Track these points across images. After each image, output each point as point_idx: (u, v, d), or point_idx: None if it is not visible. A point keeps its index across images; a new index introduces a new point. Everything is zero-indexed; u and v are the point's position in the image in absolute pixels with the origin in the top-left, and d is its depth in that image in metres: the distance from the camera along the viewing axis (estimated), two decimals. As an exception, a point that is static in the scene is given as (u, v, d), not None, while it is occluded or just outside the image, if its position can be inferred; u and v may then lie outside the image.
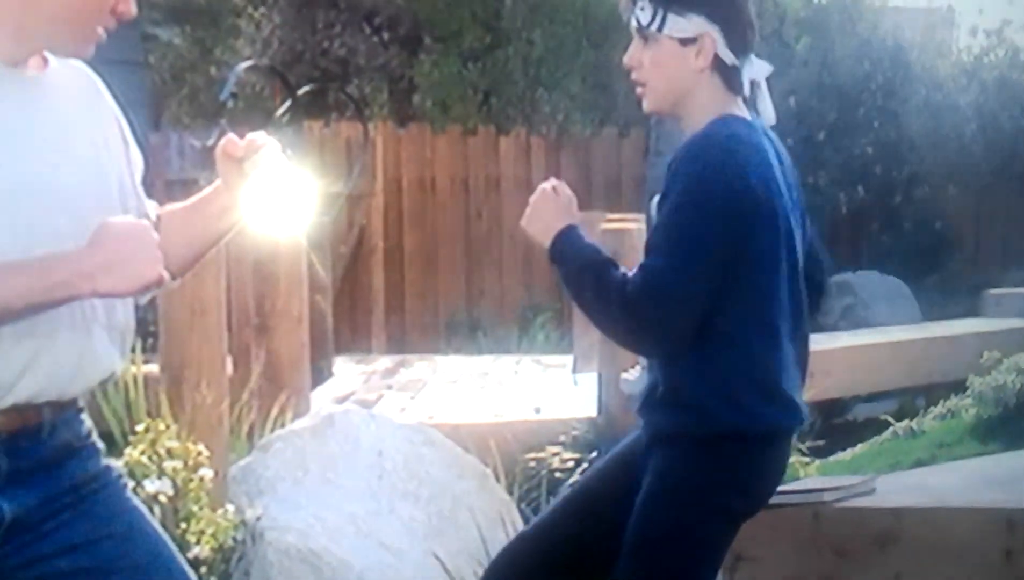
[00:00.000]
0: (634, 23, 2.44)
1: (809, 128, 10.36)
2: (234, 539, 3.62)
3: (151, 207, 2.10)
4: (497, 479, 4.26)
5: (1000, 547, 3.25)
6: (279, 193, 2.00)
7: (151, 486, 3.47)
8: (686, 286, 2.30)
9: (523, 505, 4.53)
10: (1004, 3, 12.41)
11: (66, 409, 1.93)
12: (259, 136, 2.02)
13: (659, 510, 2.42)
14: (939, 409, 6.11)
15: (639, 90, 2.48)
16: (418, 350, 9.24)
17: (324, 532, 3.75)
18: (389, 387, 7.00)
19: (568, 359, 7.55)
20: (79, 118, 1.96)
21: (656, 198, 2.45)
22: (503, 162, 10.79)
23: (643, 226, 5.91)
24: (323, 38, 10.95)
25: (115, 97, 2.08)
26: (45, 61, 1.94)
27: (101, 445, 2.01)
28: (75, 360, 1.89)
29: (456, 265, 10.71)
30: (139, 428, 3.61)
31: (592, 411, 5.63)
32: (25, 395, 1.85)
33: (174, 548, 2.05)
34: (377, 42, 11.00)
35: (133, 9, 1.91)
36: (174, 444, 3.56)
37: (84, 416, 1.98)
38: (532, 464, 5.24)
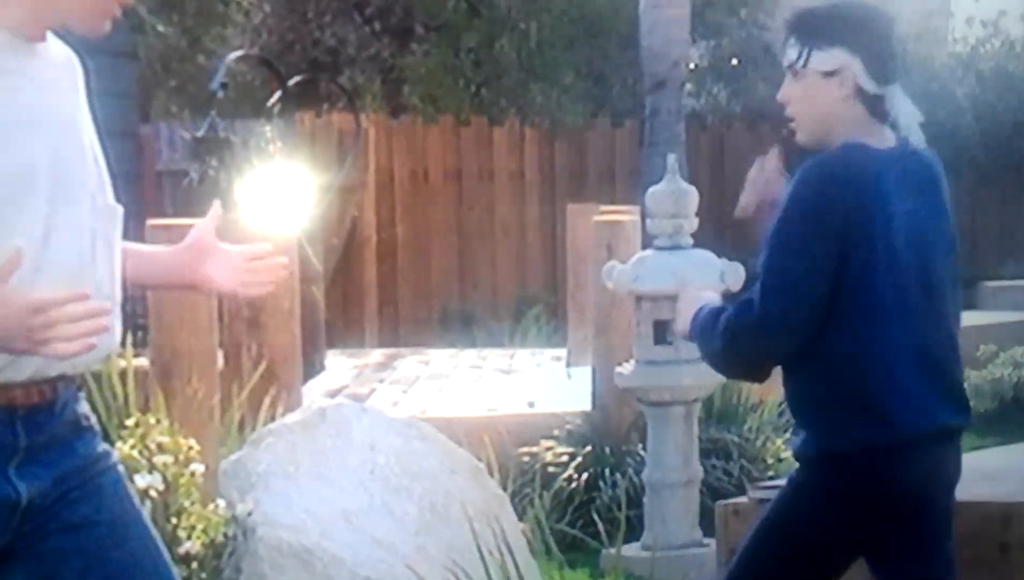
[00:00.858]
0: (785, 62, 2.62)
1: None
2: (225, 534, 3.60)
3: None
4: (490, 473, 4.24)
5: (996, 541, 3.24)
6: (275, 191, 2.01)
7: (141, 481, 3.45)
8: (794, 300, 2.50)
9: (516, 500, 4.51)
10: (999, -6, 12.38)
11: (73, 383, 1.97)
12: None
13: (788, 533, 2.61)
14: (935, 402, 6.09)
15: (792, 124, 2.63)
16: (411, 343, 9.21)
17: (316, 527, 3.73)
18: (381, 381, 6.97)
19: (562, 352, 7.52)
20: (76, 98, 2.01)
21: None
22: (496, 153, 10.75)
23: (637, 218, 5.91)
24: (314, 28, 10.91)
25: (96, 85, 2.13)
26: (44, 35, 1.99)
27: (98, 428, 2.05)
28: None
29: (449, 257, 10.68)
30: (129, 422, 3.59)
31: (586, 405, 5.60)
32: (42, 363, 1.87)
33: (161, 542, 2.06)
34: (368, 32, 10.95)
35: None
36: (165, 439, 3.54)
37: (83, 396, 2.02)
38: (526, 458, 5.21)
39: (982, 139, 10.67)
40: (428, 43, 10.81)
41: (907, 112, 2.63)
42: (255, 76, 10.17)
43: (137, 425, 3.55)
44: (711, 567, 4.01)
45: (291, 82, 6.95)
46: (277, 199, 1.95)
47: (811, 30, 2.57)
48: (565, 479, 5.12)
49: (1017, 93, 10.84)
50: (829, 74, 2.56)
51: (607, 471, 5.11)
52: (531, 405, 5.91)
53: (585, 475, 5.15)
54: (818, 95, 2.57)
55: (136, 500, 2.06)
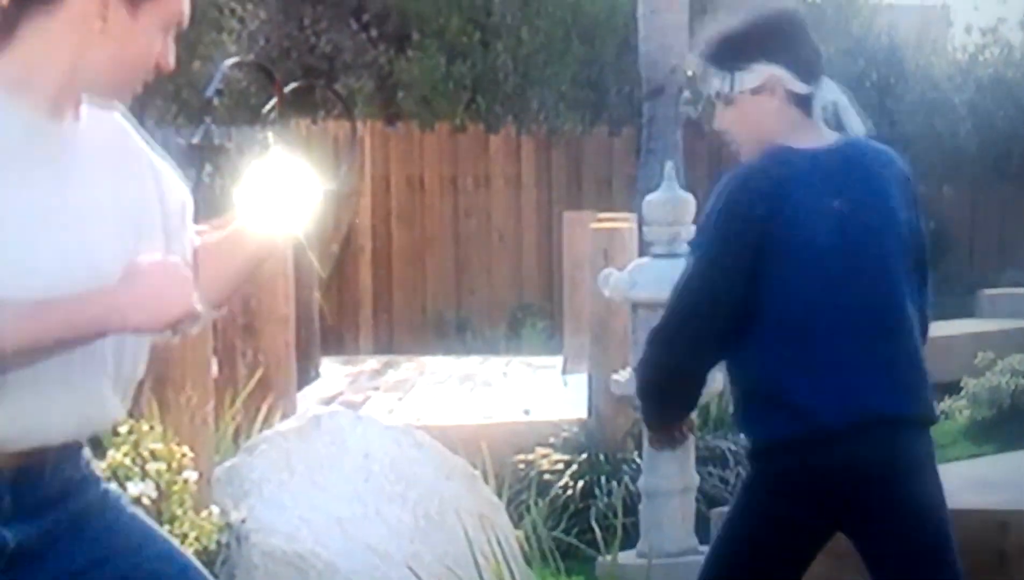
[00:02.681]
0: (712, 92, 2.61)
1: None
2: (219, 541, 3.58)
3: (190, 243, 2.09)
4: (486, 481, 4.23)
5: (994, 549, 3.24)
6: (278, 191, 1.99)
7: (134, 488, 3.43)
8: (703, 305, 2.56)
9: (512, 507, 4.49)
10: (998, 1, 12.39)
11: (70, 448, 1.96)
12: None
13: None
14: (932, 410, 6.07)
15: (733, 148, 2.65)
16: (406, 351, 9.19)
17: (310, 534, 3.72)
18: (376, 388, 6.96)
19: (558, 360, 7.50)
20: (107, 166, 1.96)
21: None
22: (492, 161, 10.74)
23: (634, 225, 5.89)
24: (310, 34, 10.90)
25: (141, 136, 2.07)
26: (78, 109, 1.94)
27: (100, 473, 2.04)
28: (85, 411, 1.92)
29: (445, 264, 10.66)
30: (122, 429, 3.57)
31: (582, 413, 5.59)
32: (31, 444, 1.88)
33: (187, 553, 2.06)
34: (364, 39, 10.94)
35: (173, 62, 1.96)
36: (158, 446, 3.52)
37: (84, 450, 2.00)
38: (521, 466, 5.20)
39: (981, 147, 10.66)
40: (424, 50, 10.80)
41: (841, 104, 2.62)
42: (251, 83, 10.17)
43: (130, 432, 3.53)
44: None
45: (287, 89, 6.94)
46: (277, 201, 1.93)
47: (728, 54, 2.58)
48: (561, 486, 5.11)
49: (1016, 101, 10.84)
50: (757, 90, 2.57)
51: (603, 478, 5.10)
52: (527, 412, 5.89)
53: (581, 482, 5.13)
54: (753, 113, 2.59)
55: (148, 521, 2.06)
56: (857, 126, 2.64)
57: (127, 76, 1.92)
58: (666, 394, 2.66)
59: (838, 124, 2.64)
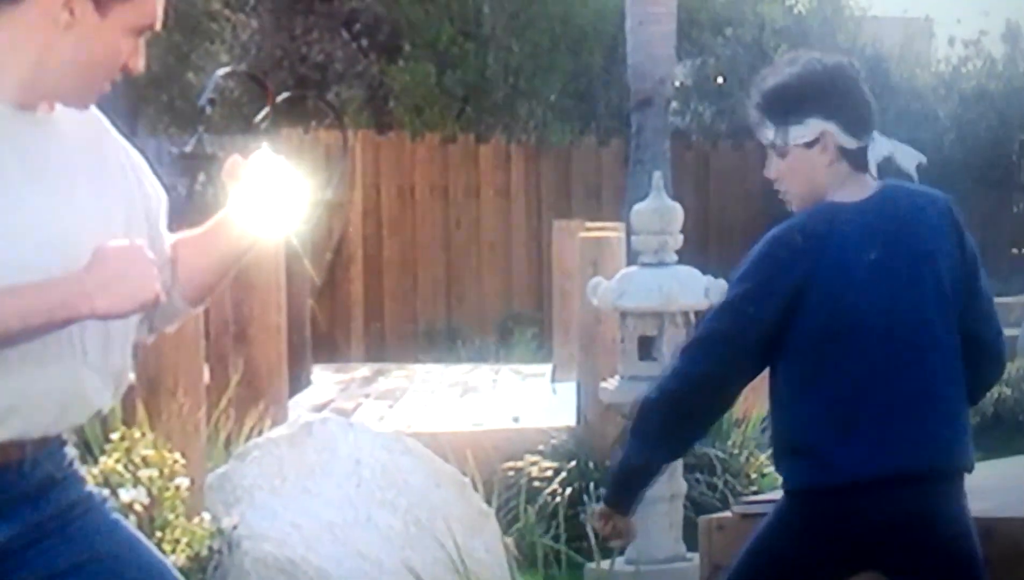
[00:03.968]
0: (766, 141, 2.67)
1: (788, 138, 10.38)
2: (210, 548, 3.60)
3: (167, 238, 2.08)
4: (475, 488, 4.25)
5: (979, 557, 3.25)
6: (270, 195, 1.99)
7: (126, 495, 3.45)
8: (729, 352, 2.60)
9: (501, 514, 4.52)
10: (980, 14, 12.46)
11: (49, 443, 1.93)
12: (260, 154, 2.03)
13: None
14: (917, 419, 6.11)
15: (784, 197, 2.70)
16: (396, 359, 9.22)
17: (301, 541, 3.73)
18: (367, 396, 6.98)
19: (547, 368, 7.53)
20: (84, 160, 1.95)
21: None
22: (482, 170, 10.77)
23: (622, 235, 5.93)
24: (302, 44, 10.92)
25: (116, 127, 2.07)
26: (51, 103, 1.94)
27: (83, 473, 2.01)
28: (62, 401, 1.89)
29: (435, 273, 10.69)
30: (114, 436, 3.58)
31: (571, 420, 5.61)
32: (8, 435, 1.85)
33: (168, 563, 2.04)
34: (356, 49, 10.98)
35: (142, 65, 1.93)
36: (150, 452, 3.54)
37: (67, 448, 1.98)
38: (511, 473, 5.22)
39: (964, 158, 10.73)
40: (415, 60, 10.84)
41: (902, 152, 2.73)
42: (243, 92, 10.19)
43: (122, 439, 3.55)
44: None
45: (279, 98, 6.96)
46: (276, 210, 1.94)
47: (782, 108, 2.62)
48: (550, 494, 5.13)
49: (998, 112, 10.92)
50: (810, 144, 2.62)
51: (592, 486, 5.12)
52: (516, 420, 5.92)
53: (570, 490, 5.16)
54: (804, 166, 2.63)
55: (132, 528, 2.03)
56: (912, 163, 2.75)
57: (93, 75, 1.90)
58: (683, 405, 2.64)
59: (898, 173, 2.74)
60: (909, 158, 2.74)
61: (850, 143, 2.63)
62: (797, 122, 2.61)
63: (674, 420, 2.63)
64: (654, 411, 2.64)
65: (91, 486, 2.01)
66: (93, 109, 2.00)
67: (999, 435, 5.52)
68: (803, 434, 2.58)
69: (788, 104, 2.62)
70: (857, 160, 2.65)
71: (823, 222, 2.60)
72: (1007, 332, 6.85)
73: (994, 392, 5.65)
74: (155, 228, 2.04)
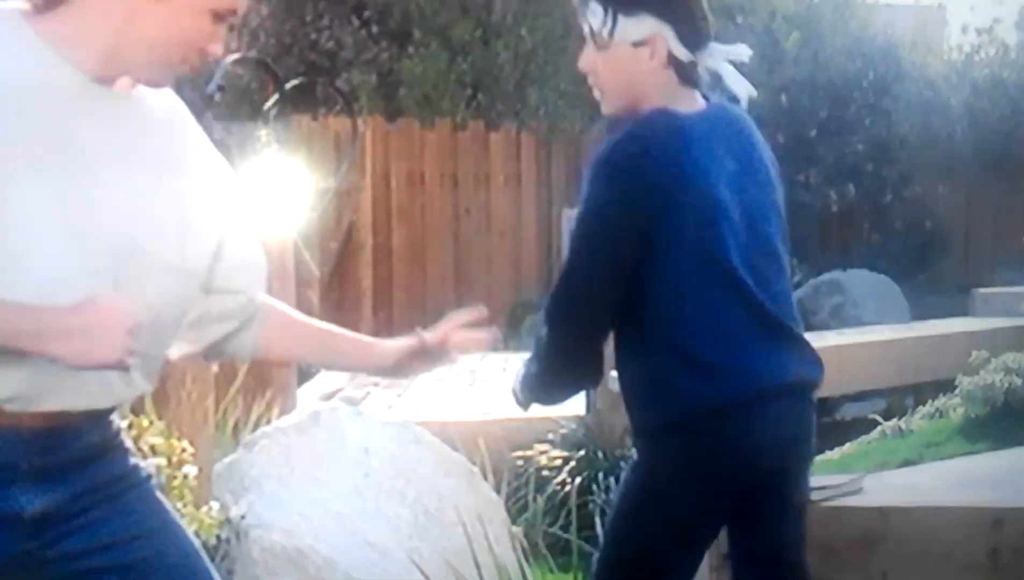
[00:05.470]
0: (586, 28, 2.44)
1: (800, 125, 10.36)
2: (218, 537, 3.60)
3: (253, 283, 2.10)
4: (484, 477, 4.25)
5: (986, 546, 3.25)
6: (272, 189, 2.00)
7: (135, 483, 3.44)
8: (592, 287, 2.39)
9: (510, 503, 4.51)
10: (994, 1, 12.41)
11: (95, 415, 1.93)
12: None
13: (628, 508, 2.55)
14: (927, 408, 6.11)
15: (596, 94, 2.49)
16: (406, 346, 9.20)
17: (309, 530, 3.73)
18: (376, 384, 6.98)
19: (556, 356, 7.51)
20: (158, 144, 1.93)
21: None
22: (493, 158, 10.76)
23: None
24: (311, 31, 10.91)
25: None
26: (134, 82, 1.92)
27: (130, 444, 2.02)
28: (104, 377, 1.88)
29: (445, 262, 10.69)
30: (123, 424, 3.58)
31: (580, 409, 5.61)
32: (53, 407, 1.86)
33: (201, 551, 2.04)
34: (366, 35, 10.96)
35: (220, 50, 1.92)
36: (158, 441, 3.54)
37: (115, 416, 1.99)
38: (520, 462, 5.22)
39: (977, 147, 10.68)
40: (426, 47, 10.82)
41: (733, 78, 2.46)
42: (252, 79, 10.18)
43: (130, 427, 3.55)
44: (702, 571, 4.02)
45: (288, 85, 6.95)
46: (273, 200, 1.93)
47: None
48: (559, 483, 5.13)
49: (1011, 101, 10.86)
50: (639, 44, 2.40)
51: (601, 475, 5.12)
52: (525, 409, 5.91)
53: (579, 479, 5.15)
54: (627, 66, 2.40)
55: (172, 510, 2.03)
56: (743, 93, 2.47)
57: (171, 53, 1.88)
58: (571, 334, 2.47)
59: (720, 90, 2.48)
60: (741, 86, 2.46)
61: (683, 54, 2.40)
62: (629, 14, 2.38)
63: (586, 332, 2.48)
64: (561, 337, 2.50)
65: (137, 459, 2.02)
66: (175, 98, 1.98)
67: (1008, 425, 5.50)
68: (710, 349, 2.34)
69: None
70: (688, 74, 2.41)
71: (668, 133, 2.35)
72: (1019, 322, 6.86)
73: (1004, 382, 5.63)
74: (224, 245, 2.03)
